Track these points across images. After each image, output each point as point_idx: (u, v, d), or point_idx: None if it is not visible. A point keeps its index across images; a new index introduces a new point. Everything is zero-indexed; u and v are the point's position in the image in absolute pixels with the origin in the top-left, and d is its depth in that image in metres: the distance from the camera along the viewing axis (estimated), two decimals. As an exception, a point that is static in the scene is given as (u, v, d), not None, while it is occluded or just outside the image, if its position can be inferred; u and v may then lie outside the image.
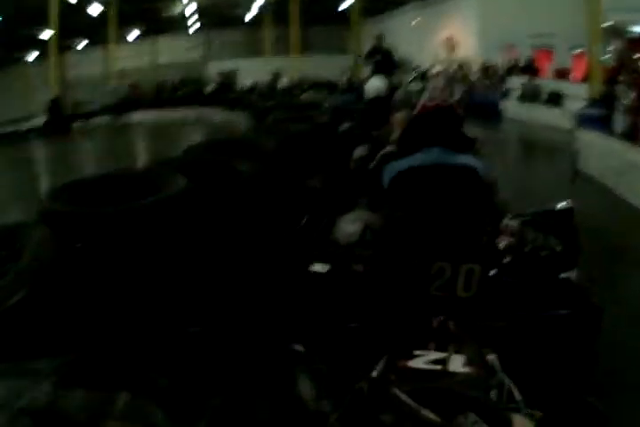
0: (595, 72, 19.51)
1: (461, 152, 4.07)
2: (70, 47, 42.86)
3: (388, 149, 5.23)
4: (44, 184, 15.66)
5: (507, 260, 3.78)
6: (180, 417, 2.33)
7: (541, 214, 4.21)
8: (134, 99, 34.46)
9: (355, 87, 18.09)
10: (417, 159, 4.02)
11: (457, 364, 2.60)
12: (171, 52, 47.50)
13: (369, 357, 2.93)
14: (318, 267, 3.83)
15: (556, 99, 23.87)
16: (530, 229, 3.96)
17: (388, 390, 2.43)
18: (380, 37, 15.00)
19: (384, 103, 9.27)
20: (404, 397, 2.32)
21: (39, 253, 4.43)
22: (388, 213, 4.02)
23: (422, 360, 2.62)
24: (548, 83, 25.70)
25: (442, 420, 2.25)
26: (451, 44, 35.09)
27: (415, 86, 6.39)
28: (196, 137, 21.06)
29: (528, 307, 3.51)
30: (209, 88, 35.47)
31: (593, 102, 16.87)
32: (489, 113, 25.46)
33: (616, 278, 7.20)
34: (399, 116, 5.72)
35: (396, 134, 5.06)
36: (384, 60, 14.03)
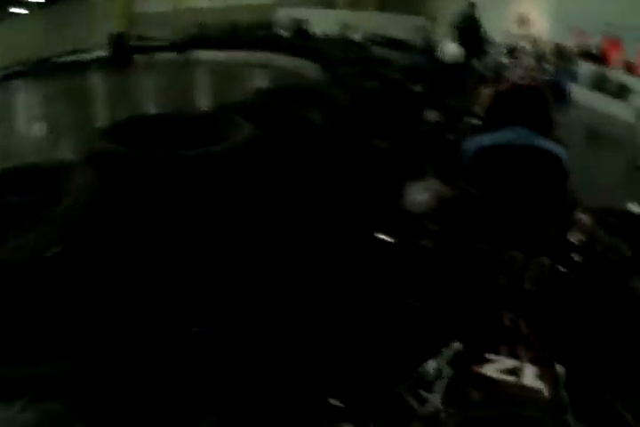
0: None
1: (546, 136, 3.90)
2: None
3: (472, 121, 5.03)
4: (97, 119, 15.43)
5: (577, 257, 3.51)
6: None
7: (614, 213, 4.07)
8: (203, 38, 34.10)
9: (429, 50, 17.73)
10: (503, 137, 3.85)
11: (530, 376, 2.47)
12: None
13: (430, 341, 2.86)
14: (385, 236, 3.65)
15: (622, 91, 23.48)
16: (601, 227, 3.71)
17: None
18: (472, 5, 15.21)
19: (459, 70, 9.11)
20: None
21: (81, 201, 4.21)
22: (464, 188, 3.82)
23: (495, 367, 2.49)
24: (617, 74, 25.31)
25: None
26: (524, 21, 34.57)
27: (505, 61, 6.11)
28: (263, 81, 20.88)
29: (592, 312, 3.36)
30: (277, 33, 35.04)
31: None
32: (558, 94, 24.98)
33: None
34: (488, 91, 5.53)
35: (482, 109, 4.64)
36: (471, 31, 14.21)
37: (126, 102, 17.82)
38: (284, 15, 43.25)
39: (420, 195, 3.93)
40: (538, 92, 4.01)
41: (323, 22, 36.42)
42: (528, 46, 29.27)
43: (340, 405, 3.24)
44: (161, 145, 5.11)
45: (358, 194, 5.66)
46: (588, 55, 27.97)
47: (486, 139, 3.92)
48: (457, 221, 3.60)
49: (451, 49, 9.64)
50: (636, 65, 25.70)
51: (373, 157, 6.82)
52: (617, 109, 21.59)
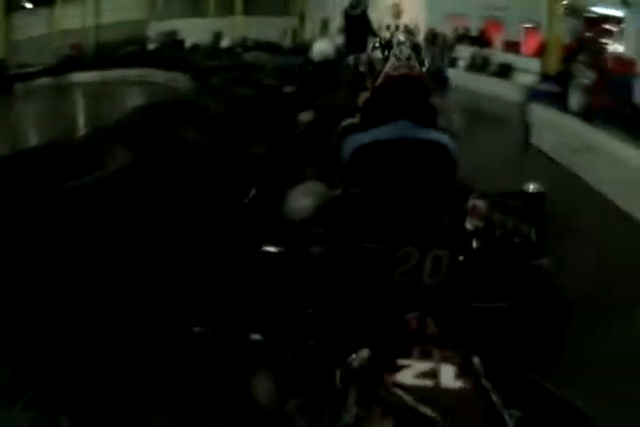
0: (551, 48, 19.59)
1: (429, 126, 3.89)
2: (18, 7, 42.02)
3: (350, 120, 4.95)
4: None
5: (476, 244, 3.43)
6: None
7: (510, 196, 3.92)
8: (76, 59, 33.85)
9: (299, 49, 17.86)
10: (383, 132, 3.80)
11: (448, 377, 2.34)
12: (115, 12, 47.05)
13: (331, 347, 2.77)
14: (272, 247, 3.49)
15: (505, 71, 24.53)
16: (497, 211, 3.60)
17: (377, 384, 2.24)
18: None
19: (331, 67, 9.11)
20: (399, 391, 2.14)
21: None
22: (346, 188, 3.68)
23: (411, 373, 2.33)
24: (498, 54, 26.28)
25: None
26: (396, 11, 34.98)
27: (378, 54, 6.08)
28: (136, 98, 20.88)
29: (498, 296, 3.28)
30: (150, 47, 34.91)
31: (546, 78, 17.40)
32: (435, 80, 25.32)
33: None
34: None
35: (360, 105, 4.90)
36: (361, 19, 14.23)
37: (7, 133, 17.64)
38: (157, 28, 43.30)
39: (301, 200, 3.75)
40: (415, 83, 3.98)
41: (195, 32, 36.47)
42: (403, 37, 29.69)
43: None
44: (40, 179, 4.93)
45: (236, 204, 5.62)
46: (467, 39, 28.94)
47: (365, 136, 3.87)
48: (343, 224, 3.44)
49: (320, 46, 9.58)
50: (520, 43, 26.84)
51: (251, 164, 6.73)
52: (501, 89, 22.47)
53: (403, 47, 4.01)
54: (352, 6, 14.38)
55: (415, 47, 3.60)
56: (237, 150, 7.18)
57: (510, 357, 3.04)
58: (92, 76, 31.36)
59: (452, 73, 26.23)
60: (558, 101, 14.17)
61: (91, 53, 37.17)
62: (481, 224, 3.46)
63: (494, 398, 2.37)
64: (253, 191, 5.59)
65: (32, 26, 42.96)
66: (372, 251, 3.18)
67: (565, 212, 8.34)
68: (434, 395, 2.22)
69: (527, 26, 25.79)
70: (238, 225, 5.11)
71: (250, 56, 20.85)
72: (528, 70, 21.23)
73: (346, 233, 3.36)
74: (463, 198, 3.58)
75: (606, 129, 11.46)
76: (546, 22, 20.57)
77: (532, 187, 3.87)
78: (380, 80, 4.11)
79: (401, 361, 2.38)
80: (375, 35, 14.92)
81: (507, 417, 2.30)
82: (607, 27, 21.25)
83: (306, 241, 3.45)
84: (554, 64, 18.00)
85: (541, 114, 14.18)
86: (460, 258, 3.28)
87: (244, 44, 30.51)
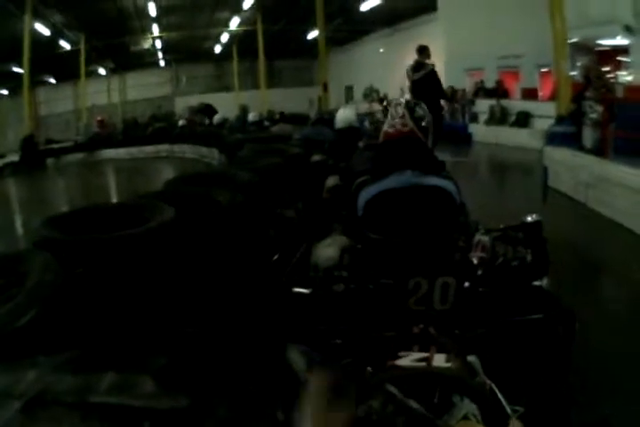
0: (562, 89, 19.55)
1: (432, 174, 4.24)
2: (41, 82, 43.23)
3: (364, 177, 5.20)
4: (28, 219, 15.60)
5: (480, 272, 3.97)
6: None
7: (511, 228, 4.38)
8: (103, 136, 34.25)
9: (324, 118, 17.76)
10: (389, 182, 4.18)
11: (440, 361, 2.74)
12: (140, 88, 47.75)
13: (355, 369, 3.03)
14: (300, 289, 3.94)
15: (523, 119, 24.25)
16: (500, 243, 4.15)
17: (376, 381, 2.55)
18: (422, 49, 14.22)
19: (356, 133, 9.25)
20: (392, 389, 2.35)
21: (44, 276, 4.55)
22: (363, 235, 4.16)
23: (408, 359, 2.76)
24: (515, 104, 25.96)
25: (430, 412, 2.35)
26: (416, 72, 35.34)
27: (381, 115, 6.43)
28: (169, 173, 21.21)
29: (504, 314, 3.69)
30: (179, 123, 35.28)
31: (561, 120, 17.13)
32: (459, 137, 25.86)
33: (584, 284, 7.59)
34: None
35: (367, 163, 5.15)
36: (429, 78, 14.04)
37: (45, 204, 17.97)
38: (183, 104, 43.88)
39: (326, 250, 4.33)
40: (410, 137, 4.32)
41: (222, 106, 36.90)
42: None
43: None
44: (96, 231, 5.57)
45: (268, 259, 6.05)
46: (484, 91, 28.73)
47: (376, 186, 4.23)
48: (363, 264, 3.96)
49: (342, 114, 9.88)
50: (537, 89, 26.70)
51: (282, 226, 7.26)
52: (521, 138, 22.36)
53: (398, 107, 4.35)
54: (413, 69, 14.09)
55: (410, 106, 3.93)
56: (267, 213, 7.71)
57: (517, 364, 3.46)
58: (123, 152, 31.93)
59: (473, 128, 27.15)
60: (572, 141, 14.30)
61: (119, 130, 37.29)
62: (485, 256, 4.01)
63: (495, 391, 2.76)
64: (278, 255, 5.88)
65: (57, 101, 43.76)
66: (385, 285, 3.64)
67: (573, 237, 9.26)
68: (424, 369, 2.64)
69: (543, 70, 25.45)
70: (269, 275, 5.53)
71: (276, 128, 21.07)
72: (546, 115, 20.76)
73: (364, 273, 3.86)
74: (471, 237, 4.14)
75: (618, 160, 11.64)
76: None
77: (530, 218, 4.36)
78: (381, 138, 4.52)
79: (402, 353, 2.79)
80: (445, 97, 15.42)
81: (509, 411, 2.69)
82: (620, 58, 21.08)
83: (329, 282, 3.95)
84: (566, 105, 17.79)
85: (557, 155, 14.32)
86: (466, 285, 3.75)
87: (271, 117, 30.81)
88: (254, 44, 41.57)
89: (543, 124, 19.82)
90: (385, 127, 4.48)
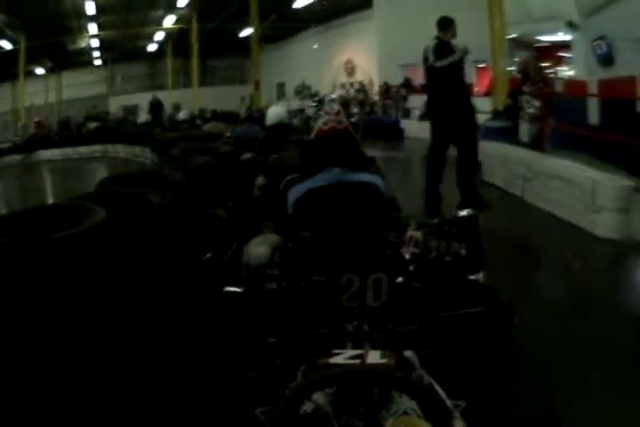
0: (499, 84, 19.49)
1: (361, 171, 4.27)
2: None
3: (292, 175, 5.21)
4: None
5: (412, 268, 3.92)
6: None
7: (445, 223, 4.39)
8: (41, 137, 33.83)
9: (254, 116, 17.01)
10: (318, 180, 4.19)
11: (374, 357, 2.70)
12: (76, 87, 47.28)
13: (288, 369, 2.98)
14: (232, 288, 3.89)
15: None
16: (433, 237, 4.11)
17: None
18: (446, 23, 10.45)
19: (286, 129, 9.15)
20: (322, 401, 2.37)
21: None
22: (294, 233, 4.17)
23: (342, 357, 2.71)
24: None
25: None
26: (350, 67, 35.56)
27: (312, 111, 6.41)
28: (103, 173, 21.13)
29: (440, 309, 3.64)
30: (111, 123, 34.99)
31: (497, 114, 17.29)
32: (391, 133, 26.06)
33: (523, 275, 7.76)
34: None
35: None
36: (456, 67, 10.28)
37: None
38: (117, 103, 43.65)
39: (258, 249, 4.26)
40: (343, 134, 4.36)
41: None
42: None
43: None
44: (32, 232, 5.57)
45: (199, 258, 5.88)
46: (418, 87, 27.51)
47: (305, 184, 4.23)
48: (294, 262, 3.93)
49: (273, 110, 9.80)
50: (474, 85, 25.69)
51: (212, 225, 7.19)
52: None
53: (332, 104, 4.31)
54: (436, 51, 10.29)
55: (344, 102, 3.98)
56: (198, 212, 7.75)
57: (455, 358, 3.37)
58: (59, 153, 31.60)
59: (406, 124, 27.02)
60: (508, 135, 14.48)
61: (54, 130, 36.73)
62: (417, 251, 3.96)
63: (435, 386, 2.70)
64: (209, 254, 5.90)
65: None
66: (317, 282, 3.59)
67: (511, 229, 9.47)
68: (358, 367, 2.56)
69: (480, 66, 25.06)
70: (200, 274, 5.44)
71: (208, 126, 20.96)
72: (481, 111, 18.12)
73: (295, 271, 3.82)
74: (402, 230, 4.11)
75: (554, 154, 11.95)
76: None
77: (464, 212, 4.36)
78: (312, 134, 4.52)
79: (335, 350, 2.72)
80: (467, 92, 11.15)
81: (450, 406, 2.60)
82: (561, 54, 21.55)
83: (262, 281, 3.90)
84: (502, 100, 17.75)
85: (492, 150, 13.98)
86: (399, 280, 3.70)
87: (202, 116, 30.76)
88: (188, 43, 41.49)
89: (480, 119, 19.15)
90: (319, 124, 4.49)
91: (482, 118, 17.59)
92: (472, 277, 4.04)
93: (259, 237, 4.55)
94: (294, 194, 4.28)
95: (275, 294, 3.82)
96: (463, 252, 4.08)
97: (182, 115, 24.16)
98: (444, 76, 10.45)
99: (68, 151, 31.41)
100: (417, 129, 24.12)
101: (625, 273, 7.92)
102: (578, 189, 9.58)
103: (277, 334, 3.46)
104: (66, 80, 48.03)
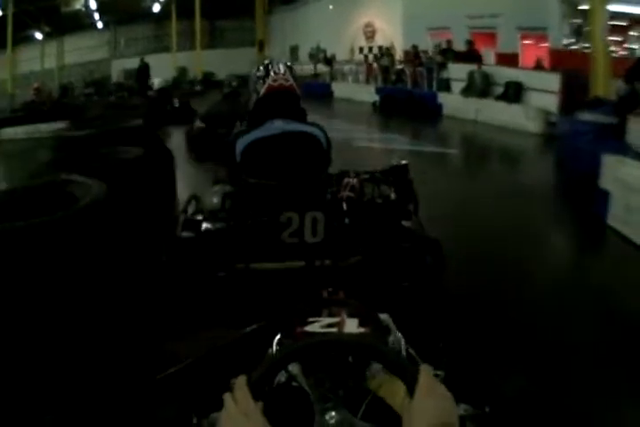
0: (598, 63, 15.90)
1: (300, 122, 4.78)
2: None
3: (240, 127, 5.78)
4: None
5: (347, 209, 4.61)
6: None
7: (380, 172, 5.27)
8: (39, 103, 33.05)
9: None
10: (263, 130, 4.65)
11: (352, 326, 2.73)
12: (78, 52, 47.47)
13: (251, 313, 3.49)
14: (186, 233, 4.58)
15: (514, 92, 20.42)
16: (368, 184, 4.96)
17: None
18: None
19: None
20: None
21: None
22: (242, 180, 4.58)
23: (318, 325, 2.74)
24: (503, 71, 21.83)
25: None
26: (370, 31, 34.94)
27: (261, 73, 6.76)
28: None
29: (372, 244, 4.34)
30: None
31: (593, 104, 13.30)
32: (426, 109, 23.31)
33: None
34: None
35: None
36: None
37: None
38: (120, 67, 43.48)
39: (211, 197, 4.95)
40: (288, 91, 4.82)
41: (161, 67, 36.33)
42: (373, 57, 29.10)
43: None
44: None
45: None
46: (453, 54, 25.06)
47: (251, 135, 4.66)
48: (240, 207, 4.56)
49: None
50: (515, 55, 24.10)
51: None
52: (513, 117, 19.29)
53: (280, 65, 4.99)
54: None
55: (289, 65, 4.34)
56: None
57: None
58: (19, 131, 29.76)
59: (445, 99, 24.01)
60: (613, 136, 10.73)
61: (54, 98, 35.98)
62: (353, 195, 4.72)
63: (411, 352, 2.84)
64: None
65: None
66: (260, 221, 4.25)
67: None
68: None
69: (524, 33, 23.65)
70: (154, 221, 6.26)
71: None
72: (545, 90, 18.22)
73: (242, 213, 4.45)
74: (340, 178, 4.96)
75: None
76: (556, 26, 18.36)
77: (397, 161, 5.36)
78: (263, 91, 4.89)
79: (311, 319, 2.78)
80: None
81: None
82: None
83: (212, 223, 4.60)
84: (604, 83, 15.01)
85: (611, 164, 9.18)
86: (335, 219, 4.38)
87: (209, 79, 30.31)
88: (193, 2, 41.93)
89: (540, 99, 18.30)
90: (269, 81, 4.91)
91: (544, 99, 16.80)
92: (405, 222, 4.74)
93: (214, 187, 5.16)
94: (241, 144, 4.68)
95: (223, 233, 4.47)
96: (393, 195, 4.94)
97: (157, 83, 23.49)
98: None
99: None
100: (460, 106, 22.56)
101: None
102: None
103: (226, 269, 4.19)
104: (68, 45, 47.95)
